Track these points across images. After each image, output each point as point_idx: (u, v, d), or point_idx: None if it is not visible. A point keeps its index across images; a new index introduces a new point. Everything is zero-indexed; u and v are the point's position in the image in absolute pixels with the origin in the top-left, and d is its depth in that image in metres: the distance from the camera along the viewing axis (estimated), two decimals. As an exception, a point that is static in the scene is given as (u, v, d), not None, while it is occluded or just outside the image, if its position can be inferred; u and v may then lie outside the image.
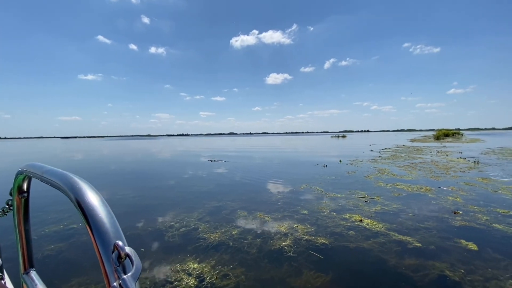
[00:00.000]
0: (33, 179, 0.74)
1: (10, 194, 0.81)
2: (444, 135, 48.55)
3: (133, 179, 9.19)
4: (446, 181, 7.50)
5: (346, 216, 4.58)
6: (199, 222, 4.43)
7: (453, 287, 2.54)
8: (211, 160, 14.62)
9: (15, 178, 0.77)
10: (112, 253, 0.43)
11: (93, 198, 0.50)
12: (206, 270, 2.90)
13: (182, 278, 2.74)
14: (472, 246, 3.36)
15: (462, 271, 2.80)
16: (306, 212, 4.89)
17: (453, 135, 49.43)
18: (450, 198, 5.68)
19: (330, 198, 5.87)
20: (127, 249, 0.44)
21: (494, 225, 4.07)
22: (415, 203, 5.36)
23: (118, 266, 0.42)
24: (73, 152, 25.79)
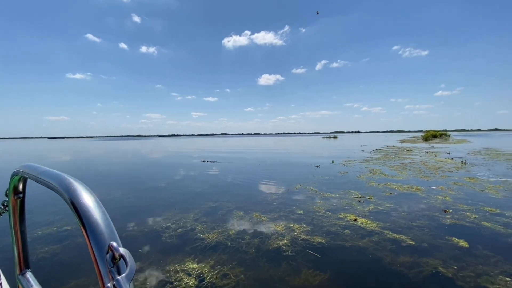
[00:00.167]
0: (28, 180, 0.74)
1: (6, 195, 0.81)
2: (432, 136, 49.77)
3: (124, 181, 9.07)
4: (436, 181, 7.71)
5: (341, 216, 4.66)
6: (195, 223, 4.42)
7: (447, 283, 2.63)
8: (204, 161, 14.56)
9: (11, 179, 0.77)
10: (107, 254, 0.43)
11: (88, 199, 0.50)
12: (205, 270, 2.91)
13: (182, 278, 2.74)
14: (463, 243, 3.48)
15: (455, 267, 2.90)
16: (301, 212, 4.95)
17: (440, 136, 50.71)
18: (439, 197, 5.85)
19: (324, 198, 5.95)
20: (122, 250, 0.44)
21: (482, 223, 4.22)
22: (406, 202, 5.50)
23: (112, 267, 0.42)
24: (60, 153, 25.19)
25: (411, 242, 3.54)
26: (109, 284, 0.41)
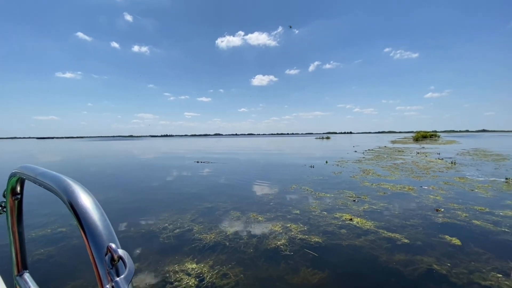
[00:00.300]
0: (26, 181, 0.74)
1: (4, 196, 0.81)
2: (422, 137, 50.78)
3: (116, 182, 8.96)
4: (427, 181, 7.88)
5: (336, 215, 4.73)
6: (193, 223, 4.42)
7: (441, 280, 2.71)
8: (198, 162, 14.49)
9: (9, 179, 0.77)
10: (106, 255, 0.43)
11: (86, 201, 0.50)
12: (205, 270, 2.91)
13: (182, 278, 2.74)
14: (456, 241, 3.58)
15: (448, 264, 2.98)
16: (298, 212, 4.99)
17: (430, 137, 51.76)
18: (431, 196, 5.99)
19: (320, 198, 6.02)
20: (120, 251, 0.44)
21: (473, 221, 4.35)
22: (400, 201, 5.61)
23: (111, 268, 0.42)
24: (50, 154, 24.69)
25: (405, 241, 3.63)
26: (108, 286, 0.41)
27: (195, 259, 3.17)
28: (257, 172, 10.37)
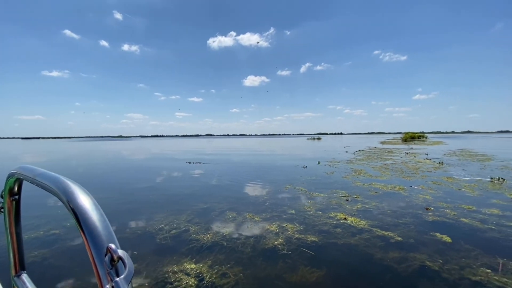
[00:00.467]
0: (24, 182, 0.74)
1: (1, 197, 0.80)
2: (411, 137, 51.97)
3: (108, 184, 8.82)
4: (416, 181, 8.10)
5: (331, 215, 4.81)
6: (189, 224, 4.41)
7: (434, 276, 2.81)
8: (190, 163, 14.40)
9: (6, 180, 0.77)
10: (105, 256, 0.43)
11: (85, 201, 0.50)
12: (204, 270, 2.93)
13: (181, 278, 2.75)
14: (446, 238, 3.71)
15: (440, 261, 3.09)
16: (293, 211, 5.05)
17: (418, 138, 53.05)
18: (421, 196, 6.17)
19: (314, 197, 6.11)
20: (120, 252, 0.44)
21: (461, 219, 4.51)
22: (391, 201, 5.75)
23: (111, 269, 0.43)
24: (34, 155, 24.02)
25: (398, 239, 3.73)
26: (107, 286, 0.41)
27: (194, 259, 3.18)
28: (251, 172, 10.40)
